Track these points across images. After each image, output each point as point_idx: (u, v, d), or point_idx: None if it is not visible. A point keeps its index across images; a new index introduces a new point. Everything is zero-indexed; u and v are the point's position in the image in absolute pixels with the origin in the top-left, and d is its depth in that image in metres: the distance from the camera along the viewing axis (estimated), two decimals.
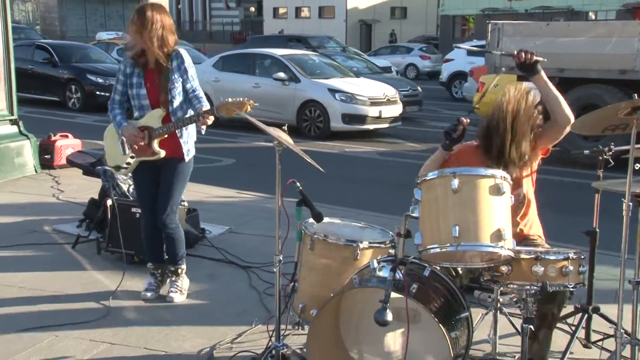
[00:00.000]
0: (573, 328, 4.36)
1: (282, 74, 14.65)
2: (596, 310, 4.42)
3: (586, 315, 4.39)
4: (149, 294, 5.11)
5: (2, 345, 4.41)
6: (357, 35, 56.06)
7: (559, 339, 4.33)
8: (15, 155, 9.10)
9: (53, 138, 9.77)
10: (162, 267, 5.19)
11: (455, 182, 3.43)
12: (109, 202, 6.04)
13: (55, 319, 4.79)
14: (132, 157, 4.91)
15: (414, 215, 3.55)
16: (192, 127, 4.98)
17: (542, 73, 3.96)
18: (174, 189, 4.95)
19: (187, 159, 4.94)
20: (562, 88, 12.23)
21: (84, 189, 7.96)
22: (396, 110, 14.76)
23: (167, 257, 5.18)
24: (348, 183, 10.30)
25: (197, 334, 4.63)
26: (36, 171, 9.33)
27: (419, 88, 17.82)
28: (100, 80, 18.12)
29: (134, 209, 5.84)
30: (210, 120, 4.68)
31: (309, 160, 3.95)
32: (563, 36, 11.72)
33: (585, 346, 4.44)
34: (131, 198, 6.11)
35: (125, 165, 4.96)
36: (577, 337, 4.30)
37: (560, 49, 11.47)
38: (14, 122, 9.23)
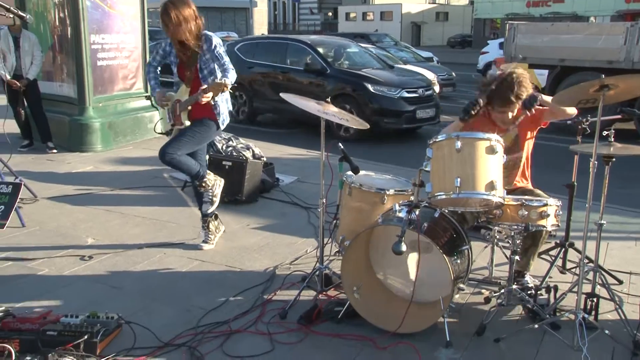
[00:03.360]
0: (553, 258, 4.20)
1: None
2: (571, 245, 4.24)
3: (563, 249, 4.23)
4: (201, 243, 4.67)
5: (127, 258, 4.50)
6: (410, 33, 54.95)
7: (542, 267, 4.18)
8: (148, 122, 9.22)
9: None
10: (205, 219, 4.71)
11: (459, 143, 3.28)
12: (207, 156, 6.05)
13: (164, 240, 4.86)
14: (172, 125, 4.47)
15: (426, 169, 3.41)
16: (224, 102, 4.42)
17: (542, 99, 3.73)
18: (189, 135, 4.27)
19: (222, 126, 4.40)
20: (562, 74, 11.89)
21: None
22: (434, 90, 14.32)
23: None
24: (393, 146, 10.07)
25: (265, 256, 4.60)
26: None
27: (453, 73, 17.33)
28: None
29: (224, 162, 5.83)
30: (207, 97, 4.05)
31: (346, 123, 3.82)
32: (564, 34, 11.42)
33: (561, 272, 4.26)
34: (223, 154, 6.09)
35: (170, 131, 4.50)
36: (555, 266, 4.16)
37: (562, 44, 11.26)
38: (147, 97, 9.35)
